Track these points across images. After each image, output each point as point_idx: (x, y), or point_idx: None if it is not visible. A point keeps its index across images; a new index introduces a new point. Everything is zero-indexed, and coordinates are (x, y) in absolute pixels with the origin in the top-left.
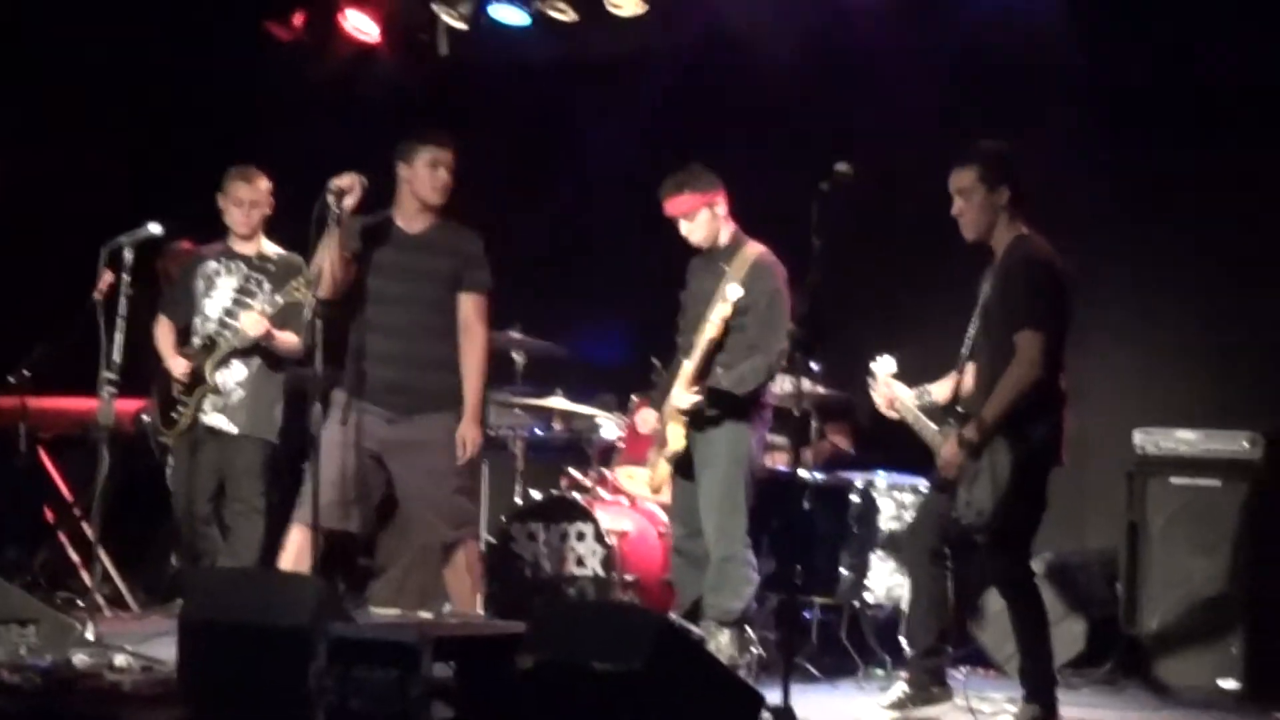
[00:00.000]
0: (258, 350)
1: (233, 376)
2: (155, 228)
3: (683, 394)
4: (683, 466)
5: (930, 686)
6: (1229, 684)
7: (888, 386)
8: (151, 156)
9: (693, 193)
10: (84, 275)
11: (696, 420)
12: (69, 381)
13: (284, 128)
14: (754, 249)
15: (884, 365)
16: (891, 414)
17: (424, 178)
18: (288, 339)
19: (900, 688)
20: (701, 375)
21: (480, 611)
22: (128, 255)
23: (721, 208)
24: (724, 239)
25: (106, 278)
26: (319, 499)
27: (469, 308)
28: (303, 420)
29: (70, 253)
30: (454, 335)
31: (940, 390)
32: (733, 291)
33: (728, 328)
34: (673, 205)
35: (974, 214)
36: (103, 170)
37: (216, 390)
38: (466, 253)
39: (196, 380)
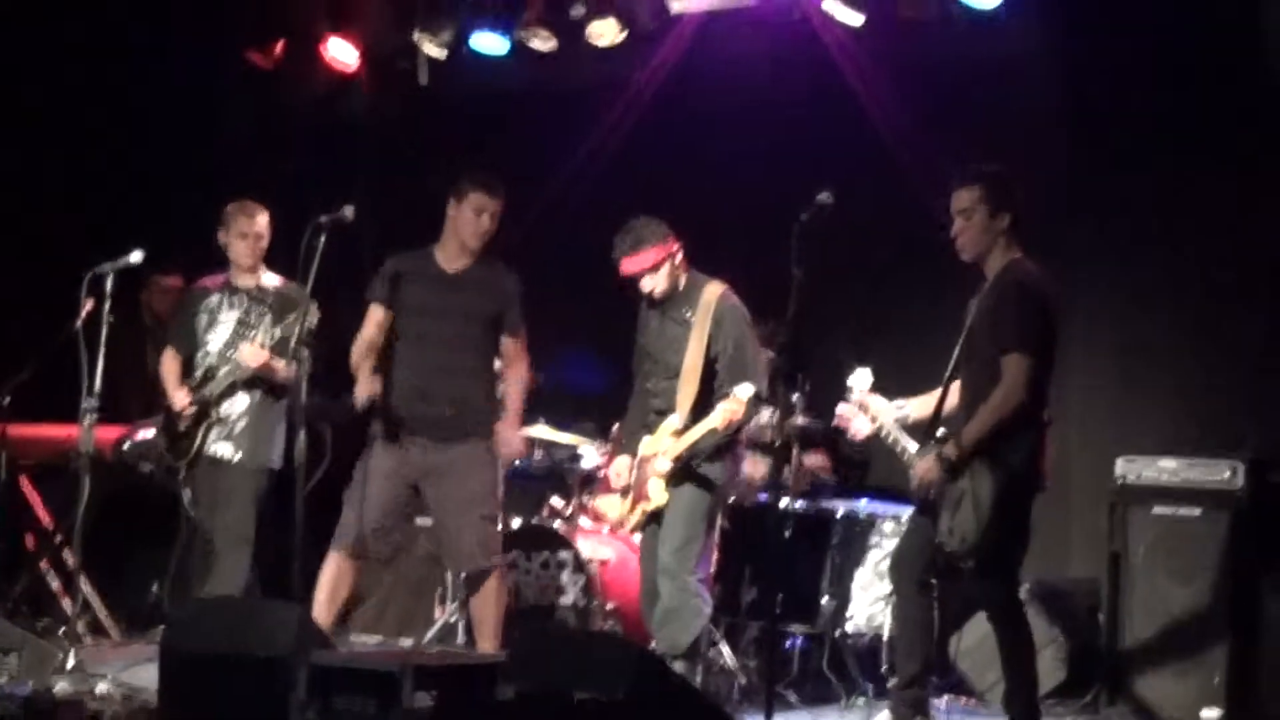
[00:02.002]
0: (259, 380)
1: (236, 406)
2: (137, 256)
3: (665, 462)
4: (655, 514)
5: (912, 717)
6: (1211, 713)
7: (863, 401)
8: (130, 185)
9: (651, 247)
10: (63, 303)
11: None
12: (49, 409)
13: (264, 157)
14: (713, 290)
15: (861, 379)
16: (865, 428)
17: (468, 220)
18: (288, 370)
19: (883, 717)
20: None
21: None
22: (109, 283)
23: (679, 255)
24: (681, 283)
25: (88, 305)
26: (362, 528)
27: (512, 349)
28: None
29: (49, 281)
30: (490, 371)
31: (918, 408)
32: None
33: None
34: (633, 263)
35: (973, 235)
36: (82, 199)
37: (222, 421)
38: (507, 293)
39: (202, 413)
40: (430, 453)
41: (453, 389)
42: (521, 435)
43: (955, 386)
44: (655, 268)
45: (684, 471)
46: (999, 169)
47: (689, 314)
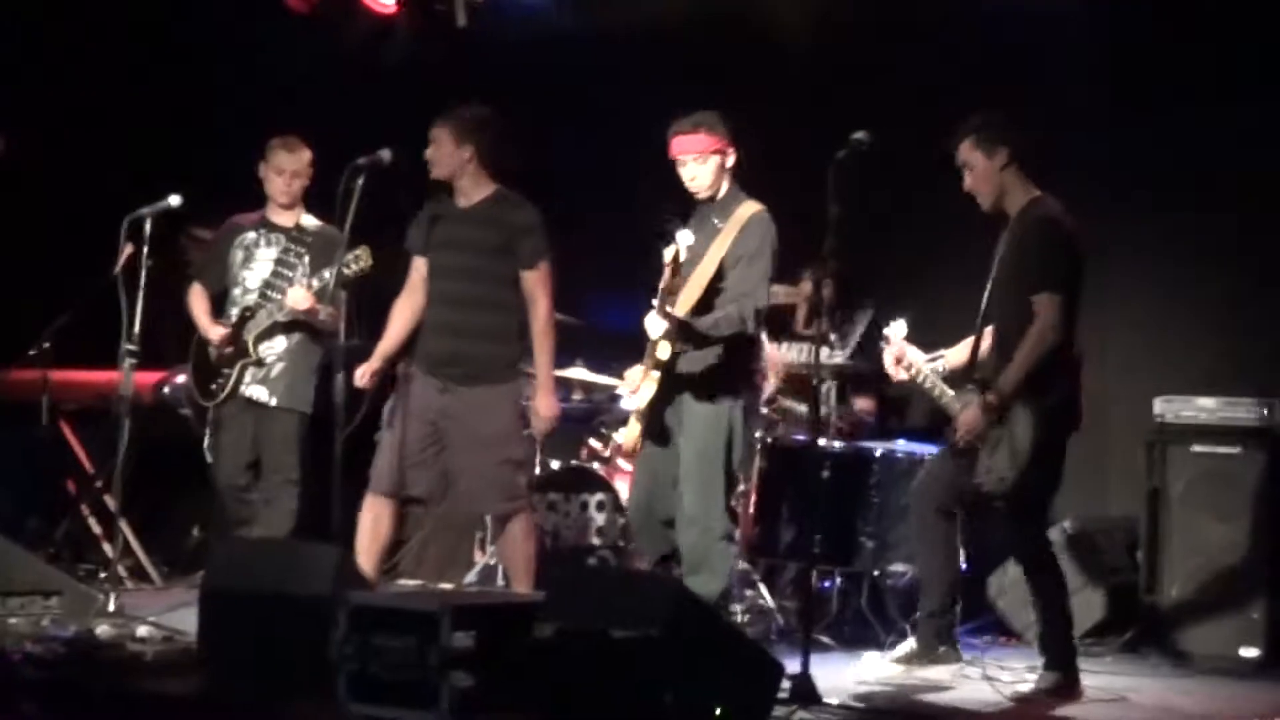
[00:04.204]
0: (298, 323)
1: (273, 348)
2: (175, 200)
3: (656, 322)
4: (657, 430)
5: (938, 646)
6: (1250, 651)
7: (899, 348)
8: (170, 130)
9: (708, 134)
10: (104, 248)
11: (676, 383)
12: (89, 354)
13: (302, 101)
14: (750, 206)
15: (897, 329)
16: (900, 375)
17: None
18: (329, 314)
19: (908, 644)
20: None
21: (527, 587)
22: (148, 227)
23: (731, 159)
24: (722, 192)
25: (127, 250)
26: (391, 467)
27: (529, 282)
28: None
29: (90, 225)
30: (506, 306)
31: (955, 355)
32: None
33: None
34: (685, 143)
35: (978, 183)
36: (122, 145)
37: (259, 362)
38: (516, 225)
39: (239, 351)
40: (448, 394)
41: (467, 322)
42: (553, 409)
43: (988, 330)
44: (704, 156)
45: (693, 399)
46: (986, 113)
47: (719, 223)
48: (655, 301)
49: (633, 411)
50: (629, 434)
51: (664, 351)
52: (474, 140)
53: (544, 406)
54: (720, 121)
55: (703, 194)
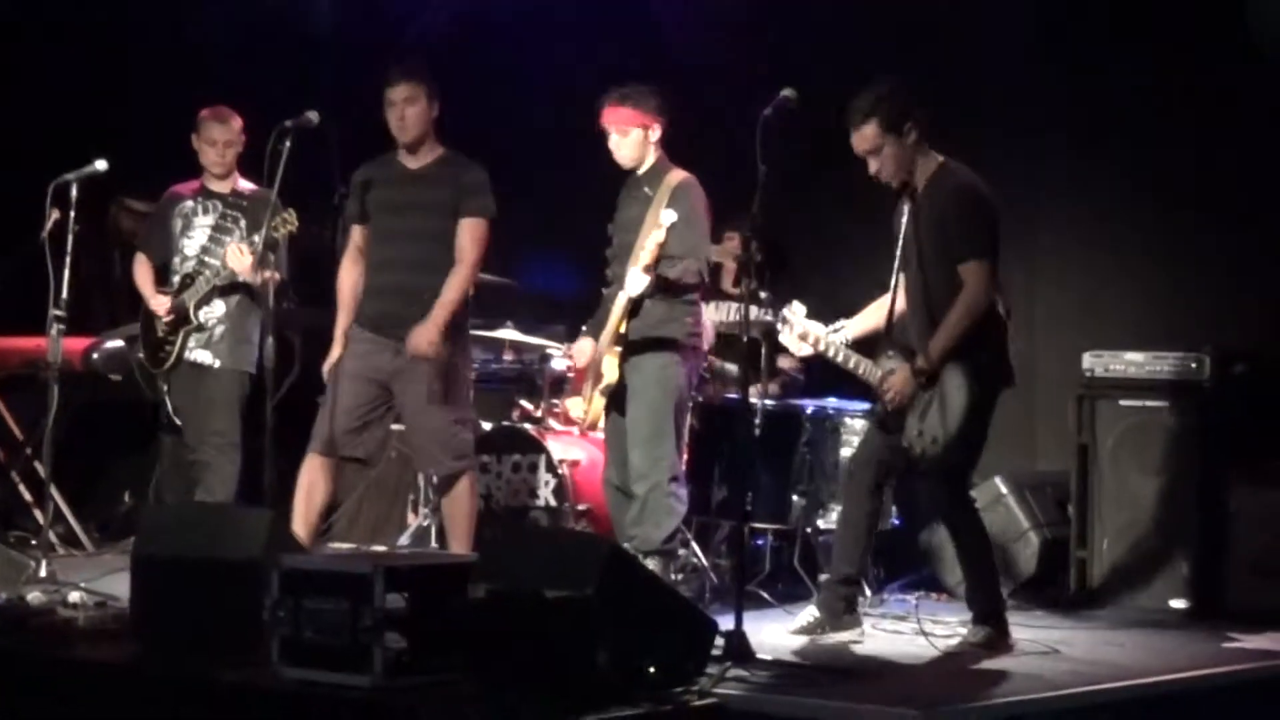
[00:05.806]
0: (236, 285)
1: (213, 313)
2: (101, 165)
3: (638, 278)
4: (616, 401)
5: (842, 614)
6: (1179, 603)
7: (801, 327)
8: (96, 96)
9: (633, 109)
10: (30, 213)
11: (628, 348)
12: (17, 320)
13: (224, 65)
14: (677, 174)
15: (796, 309)
16: (805, 350)
17: (389, 117)
18: (267, 276)
19: (810, 612)
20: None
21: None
22: (74, 192)
23: (655, 134)
24: (648, 164)
25: (53, 215)
26: (333, 428)
27: (462, 232)
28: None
29: (14, 191)
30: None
31: (857, 325)
32: (666, 217)
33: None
34: (610, 115)
35: (892, 165)
36: (46, 110)
37: (200, 327)
38: (464, 183)
39: (181, 319)
40: (398, 355)
41: (422, 285)
42: (434, 337)
43: (900, 297)
44: (626, 129)
45: (642, 361)
46: (884, 86)
47: (650, 191)
48: (636, 266)
49: (592, 388)
50: (588, 408)
51: (612, 373)
52: (439, 98)
53: (425, 334)
54: (649, 96)
55: (625, 164)
